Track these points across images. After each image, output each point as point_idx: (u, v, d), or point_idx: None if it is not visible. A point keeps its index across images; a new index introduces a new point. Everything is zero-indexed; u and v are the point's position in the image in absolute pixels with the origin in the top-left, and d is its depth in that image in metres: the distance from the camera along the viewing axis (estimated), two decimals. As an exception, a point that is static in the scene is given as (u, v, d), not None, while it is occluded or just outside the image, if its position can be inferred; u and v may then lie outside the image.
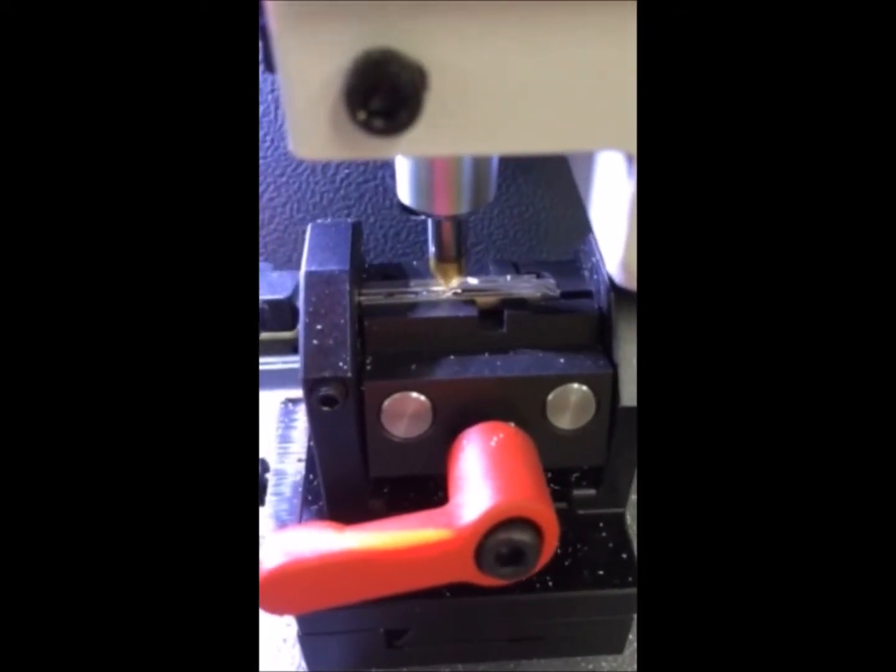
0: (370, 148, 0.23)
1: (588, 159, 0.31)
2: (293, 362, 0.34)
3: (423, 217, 0.36)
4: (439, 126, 0.23)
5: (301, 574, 0.28)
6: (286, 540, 0.28)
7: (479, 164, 0.33)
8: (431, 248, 0.37)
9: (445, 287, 0.37)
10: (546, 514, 0.29)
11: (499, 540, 0.29)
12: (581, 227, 0.40)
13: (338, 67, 0.21)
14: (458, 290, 0.37)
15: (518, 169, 0.51)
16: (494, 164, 0.34)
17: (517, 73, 0.22)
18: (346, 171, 0.51)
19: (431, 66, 0.21)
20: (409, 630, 0.38)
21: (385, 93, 0.21)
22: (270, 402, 0.51)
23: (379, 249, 0.55)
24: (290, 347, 0.38)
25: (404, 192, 0.34)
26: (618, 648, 0.41)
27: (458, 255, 0.37)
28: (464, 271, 0.38)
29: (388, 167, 0.50)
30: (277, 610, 0.30)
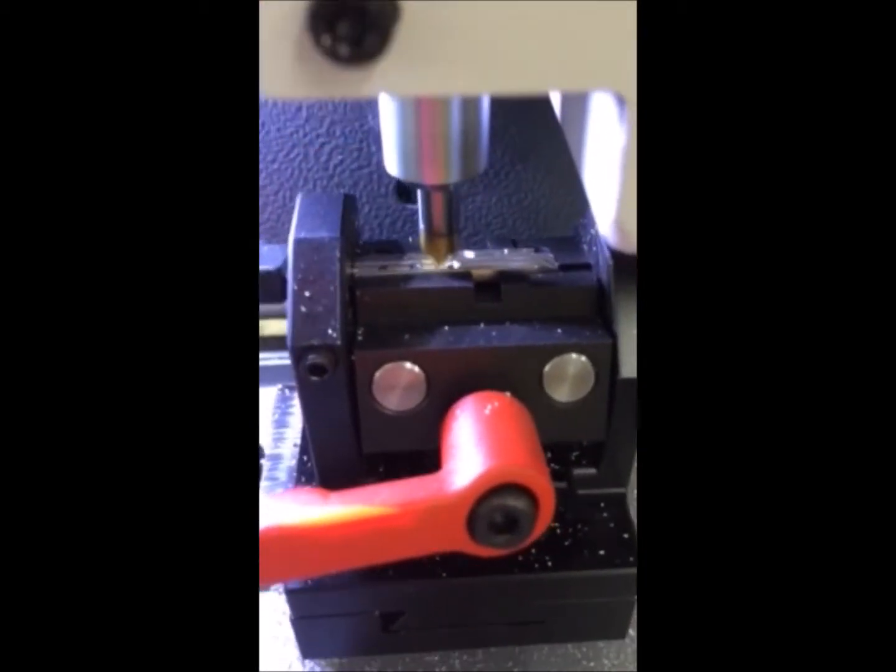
0: (339, 84, 0.21)
1: (579, 113, 0.30)
2: (288, 358, 0.33)
3: (418, 205, 0.36)
4: (413, 59, 0.21)
5: (284, 540, 0.27)
6: (269, 506, 0.28)
7: (468, 128, 0.32)
8: (422, 224, 0.36)
9: (434, 263, 0.36)
10: (541, 481, 0.28)
11: (492, 506, 0.28)
12: (581, 215, 0.39)
13: None
14: (454, 264, 0.36)
15: (516, 156, 0.51)
16: (485, 130, 0.33)
17: (499, 4, 0.21)
18: (340, 157, 0.50)
19: None
20: (405, 613, 0.37)
21: (351, 16, 0.19)
22: (264, 397, 0.50)
23: (375, 237, 0.54)
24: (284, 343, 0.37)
25: (392, 163, 0.33)
26: (620, 633, 0.39)
27: (450, 231, 0.36)
28: (455, 249, 0.37)
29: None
30: (262, 579, 0.29)
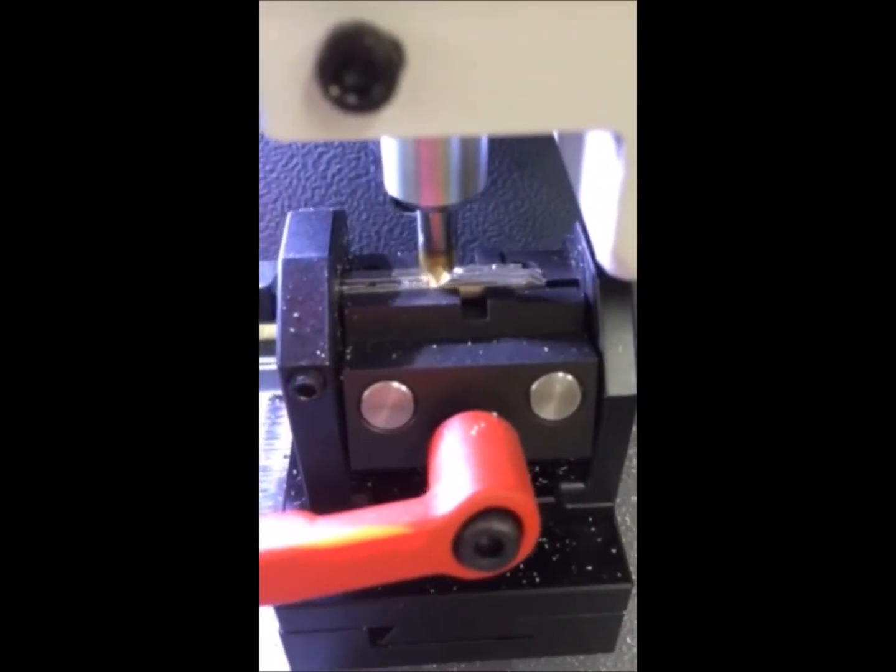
0: (346, 128, 0.22)
1: (577, 144, 0.30)
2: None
3: (416, 213, 0.36)
4: (417, 104, 0.22)
5: (269, 566, 0.27)
6: (256, 530, 0.28)
7: (467, 152, 0.32)
8: (421, 241, 0.36)
9: (433, 280, 0.36)
10: (526, 505, 0.28)
11: (477, 530, 0.28)
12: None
13: (310, 42, 0.20)
14: (443, 280, 0.36)
15: (513, 164, 0.51)
16: (483, 154, 0.33)
17: (499, 49, 0.21)
18: (338, 166, 0.50)
19: (408, 40, 0.21)
20: (393, 628, 0.37)
21: (358, 67, 0.20)
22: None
23: (372, 246, 0.54)
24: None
25: (391, 184, 0.33)
26: (609, 647, 0.40)
27: (448, 248, 0.36)
28: (453, 265, 0.37)
29: (379, 162, 0.49)
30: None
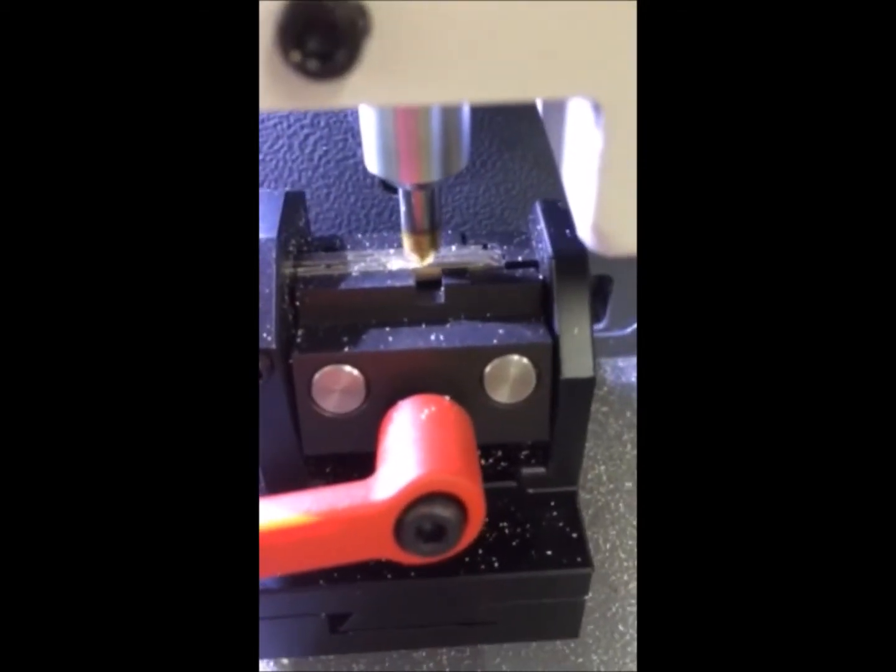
0: (312, 97, 0.21)
1: (559, 116, 0.29)
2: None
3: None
4: (385, 70, 0.21)
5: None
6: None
7: (448, 126, 0.31)
8: (403, 220, 0.35)
9: (417, 260, 0.36)
10: (471, 490, 0.28)
11: (419, 515, 0.27)
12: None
13: (271, 6, 0.19)
14: (400, 262, 0.36)
15: (503, 145, 0.50)
16: (465, 127, 0.32)
17: (471, 15, 0.20)
18: (325, 147, 0.49)
19: (374, 4, 0.20)
20: (353, 614, 0.37)
21: (320, 32, 0.19)
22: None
23: (361, 229, 0.53)
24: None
25: (371, 160, 0.32)
26: (573, 633, 0.39)
27: (432, 226, 0.35)
28: (438, 243, 0.36)
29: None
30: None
